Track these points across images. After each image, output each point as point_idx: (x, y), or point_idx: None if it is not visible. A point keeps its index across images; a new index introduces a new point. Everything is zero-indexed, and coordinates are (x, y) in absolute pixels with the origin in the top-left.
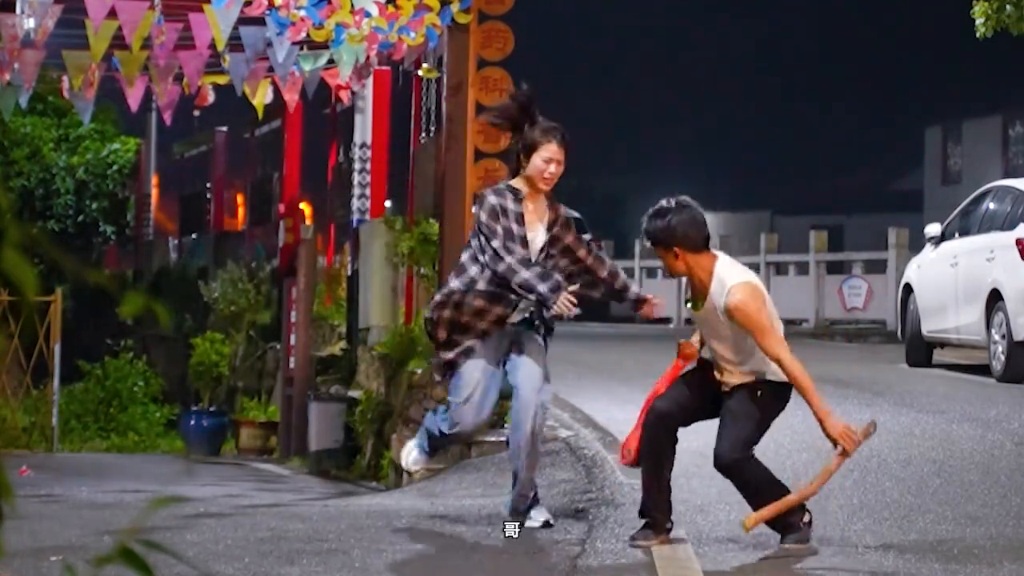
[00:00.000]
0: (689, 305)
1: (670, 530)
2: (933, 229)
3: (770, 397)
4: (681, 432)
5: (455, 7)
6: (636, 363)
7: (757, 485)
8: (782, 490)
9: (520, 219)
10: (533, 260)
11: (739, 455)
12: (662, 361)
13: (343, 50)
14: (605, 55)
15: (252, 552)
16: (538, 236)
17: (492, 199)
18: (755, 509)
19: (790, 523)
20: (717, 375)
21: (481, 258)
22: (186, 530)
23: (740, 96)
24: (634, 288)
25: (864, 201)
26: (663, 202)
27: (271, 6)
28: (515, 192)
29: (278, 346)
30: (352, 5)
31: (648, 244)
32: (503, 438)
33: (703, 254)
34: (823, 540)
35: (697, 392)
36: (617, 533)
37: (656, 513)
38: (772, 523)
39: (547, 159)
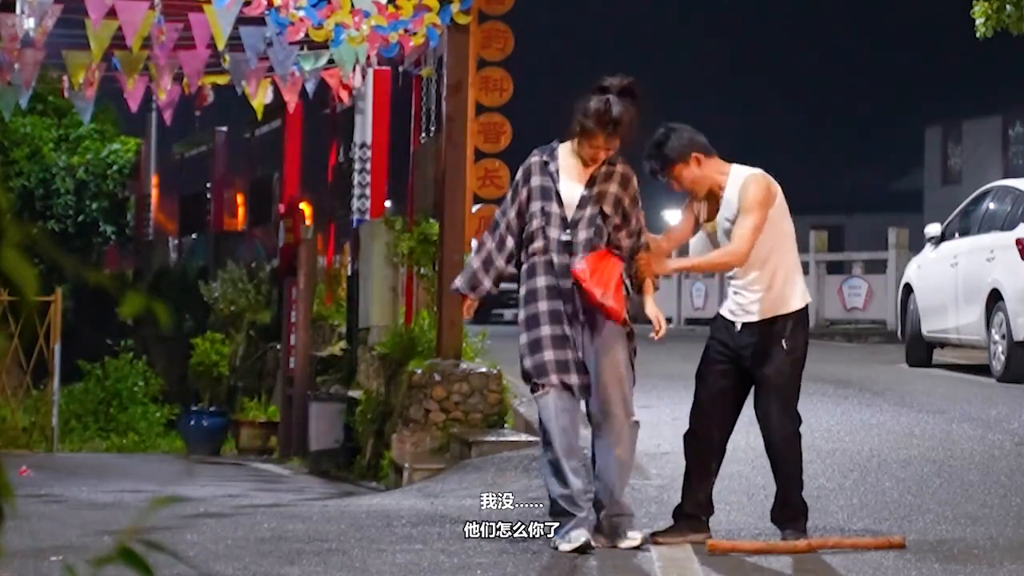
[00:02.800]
0: (705, 223)
1: (706, 525)
2: (933, 229)
3: (794, 335)
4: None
5: (455, 7)
6: (636, 363)
7: (793, 468)
8: (800, 482)
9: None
10: (569, 216)
11: (791, 429)
12: (662, 361)
13: (343, 50)
14: (604, 55)
15: (252, 552)
16: (575, 190)
17: (532, 159)
18: (780, 495)
19: (790, 516)
20: (731, 315)
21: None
22: (186, 530)
23: (739, 96)
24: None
25: (864, 201)
26: (658, 132)
27: (271, 6)
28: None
29: (278, 346)
30: (352, 5)
31: (666, 172)
32: (503, 438)
33: (714, 157)
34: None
35: (723, 388)
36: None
37: (695, 511)
38: (775, 519)
39: (595, 146)
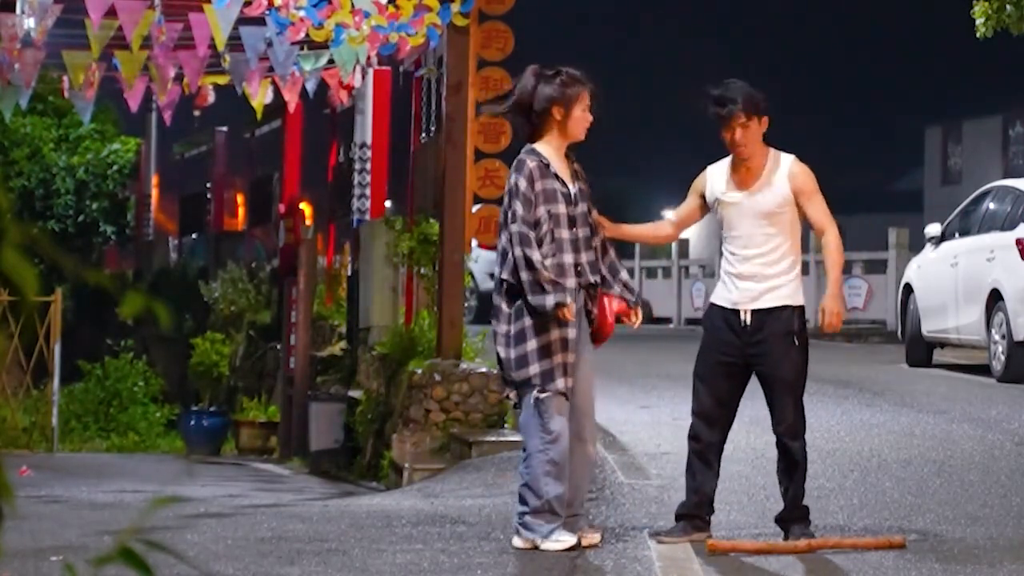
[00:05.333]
0: (730, 196)
1: (708, 525)
2: (933, 229)
3: (803, 329)
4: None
5: (455, 8)
6: (635, 363)
7: (800, 467)
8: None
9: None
10: (571, 214)
11: (803, 425)
12: (661, 361)
13: (343, 50)
14: (603, 55)
15: (252, 552)
16: (571, 188)
17: (531, 163)
18: (784, 495)
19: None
20: (741, 301)
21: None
22: (186, 530)
23: None
24: (624, 275)
25: (864, 201)
26: (737, 81)
27: (271, 6)
28: (543, 156)
29: (278, 346)
30: (352, 5)
31: (739, 114)
32: (503, 438)
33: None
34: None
35: (728, 387)
36: (617, 533)
37: (697, 511)
38: (784, 519)
39: (585, 107)
